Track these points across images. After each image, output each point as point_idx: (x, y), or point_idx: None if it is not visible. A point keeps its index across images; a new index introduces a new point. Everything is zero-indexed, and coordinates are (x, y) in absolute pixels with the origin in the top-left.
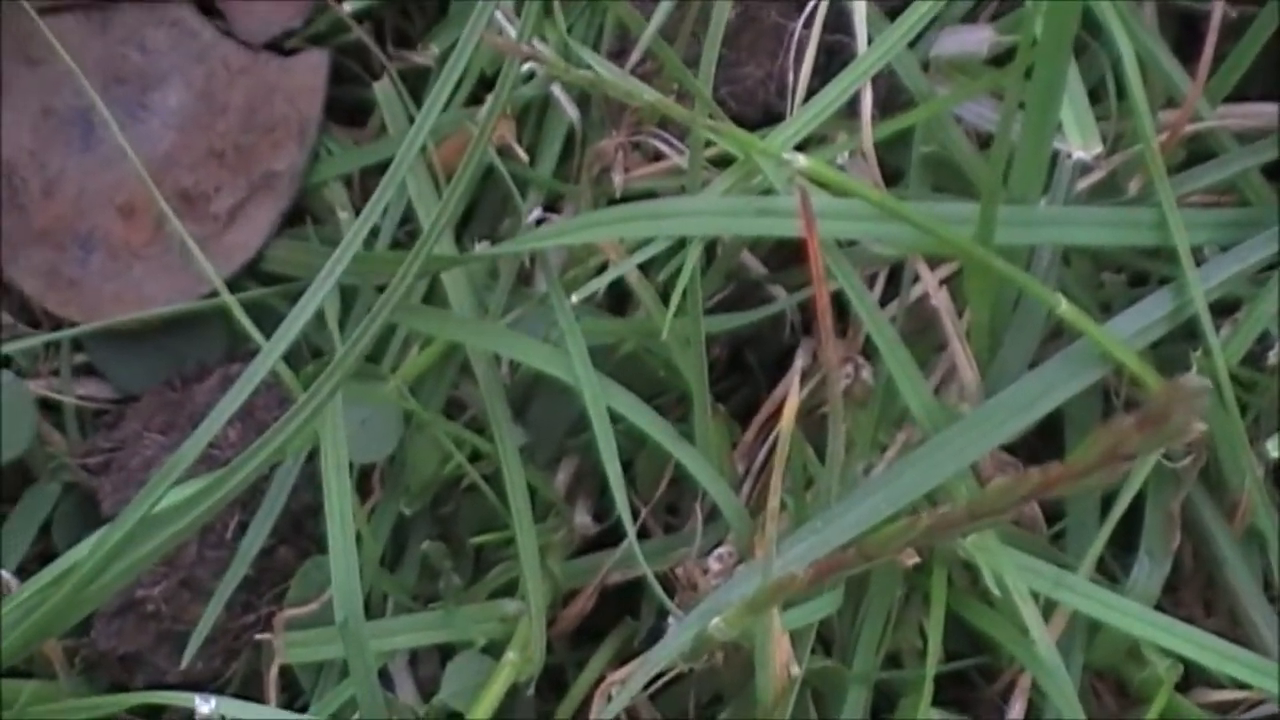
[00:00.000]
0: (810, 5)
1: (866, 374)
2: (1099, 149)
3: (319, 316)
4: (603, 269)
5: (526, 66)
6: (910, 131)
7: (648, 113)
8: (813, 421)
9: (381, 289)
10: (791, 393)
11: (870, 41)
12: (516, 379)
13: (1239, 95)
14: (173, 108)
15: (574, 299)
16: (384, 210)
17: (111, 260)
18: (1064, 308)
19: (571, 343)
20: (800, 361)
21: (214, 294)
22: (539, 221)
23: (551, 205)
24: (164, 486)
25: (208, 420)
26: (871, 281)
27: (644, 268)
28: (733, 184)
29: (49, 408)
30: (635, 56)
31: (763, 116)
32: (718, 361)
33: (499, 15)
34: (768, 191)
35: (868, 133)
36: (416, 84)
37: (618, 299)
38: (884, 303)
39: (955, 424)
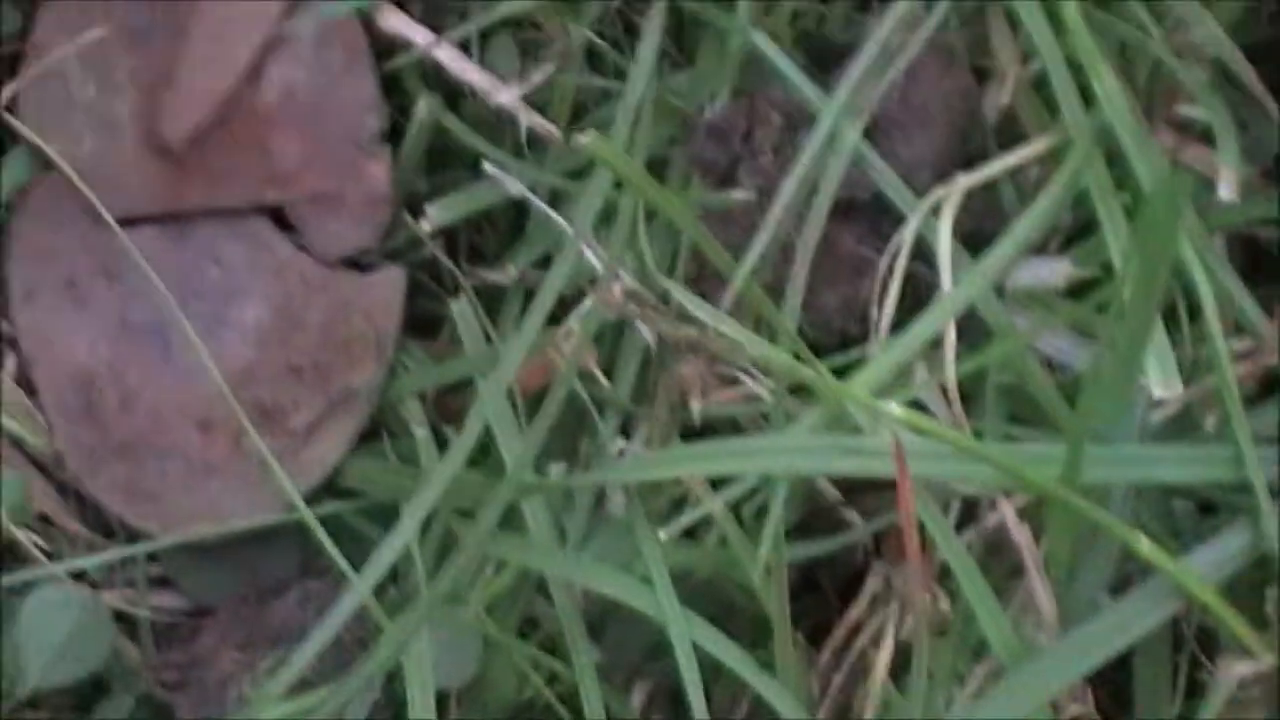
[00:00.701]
0: (895, 239)
1: (945, 604)
2: (1179, 389)
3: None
4: (682, 496)
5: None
6: None
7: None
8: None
9: (461, 511)
10: (884, 648)
11: (953, 279)
12: (593, 599)
13: None
14: (250, 323)
15: (662, 535)
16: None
17: (189, 474)
18: (1144, 546)
19: (657, 578)
20: (872, 585)
21: (291, 509)
22: (619, 451)
23: (625, 424)
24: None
25: (297, 654)
26: (946, 508)
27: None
28: (818, 423)
29: (123, 619)
30: (727, 299)
31: (838, 343)
32: (790, 583)
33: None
34: (853, 428)
35: (951, 371)
36: (491, 299)
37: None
38: (959, 526)
39: (1034, 658)
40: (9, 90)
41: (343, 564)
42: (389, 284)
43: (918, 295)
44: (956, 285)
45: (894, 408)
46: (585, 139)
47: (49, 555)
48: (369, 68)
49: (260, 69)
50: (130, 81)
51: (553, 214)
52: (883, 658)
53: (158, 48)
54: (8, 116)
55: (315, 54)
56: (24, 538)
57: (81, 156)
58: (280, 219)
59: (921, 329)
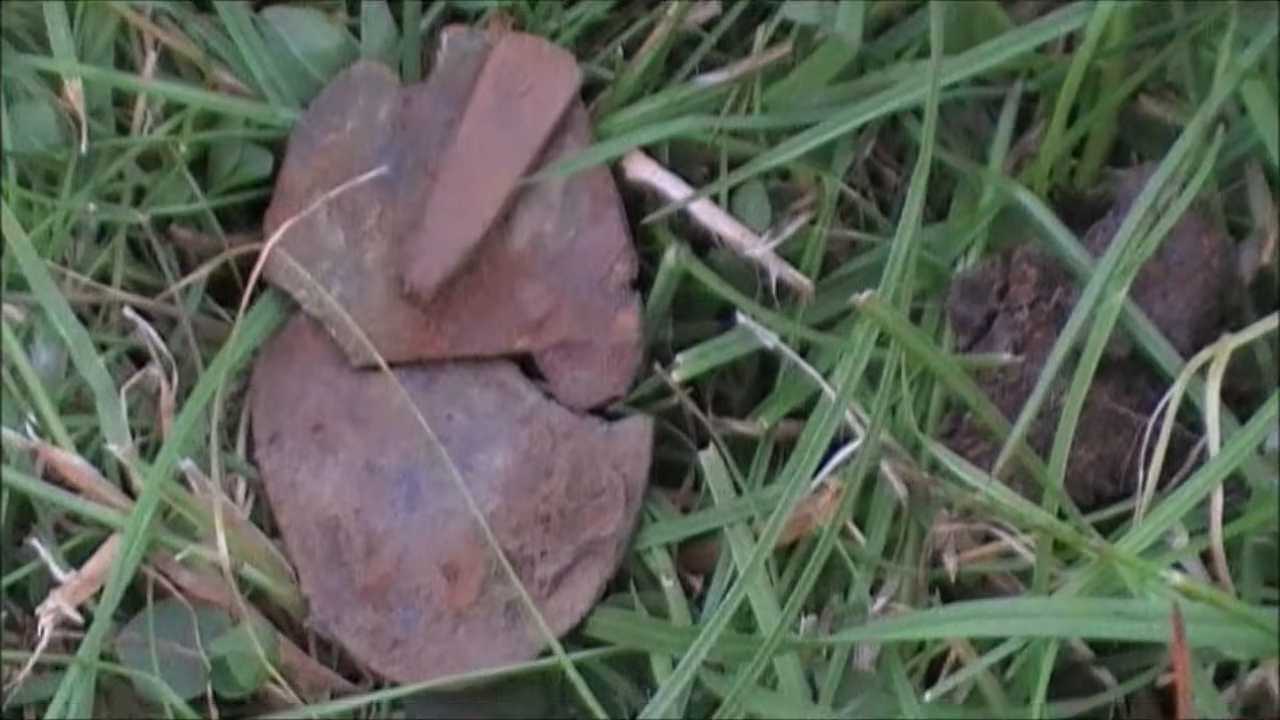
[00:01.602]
0: (1163, 401)
1: None
2: None
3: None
4: (939, 655)
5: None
6: None
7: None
8: None
9: (707, 663)
10: None
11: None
12: None
13: None
14: (498, 470)
15: (928, 697)
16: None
17: (435, 622)
18: None
19: None
20: None
21: (538, 656)
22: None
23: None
24: None
25: None
26: (1205, 665)
27: None
28: (1085, 585)
29: None
30: (1000, 463)
31: (1091, 500)
32: None
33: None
34: (1117, 591)
35: (1217, 537)
36: (735, 450)
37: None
38: (1219, 683)
39: None
40: (270, 243)
41: (599, 713)
42: (637, 433)
43: (1171, 452)
44: (1223, 450)
45: (1175, 575)
46: (861, 299)
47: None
48: (618, 216)
49: (509, 217)
50: (378, 229)
51: (807, 367)
52: None
53: (407, 195)
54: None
55: (564, 202)
56: (272, 687)
57: (329, 303)
58: (528, 366)
59: (1189, 492)
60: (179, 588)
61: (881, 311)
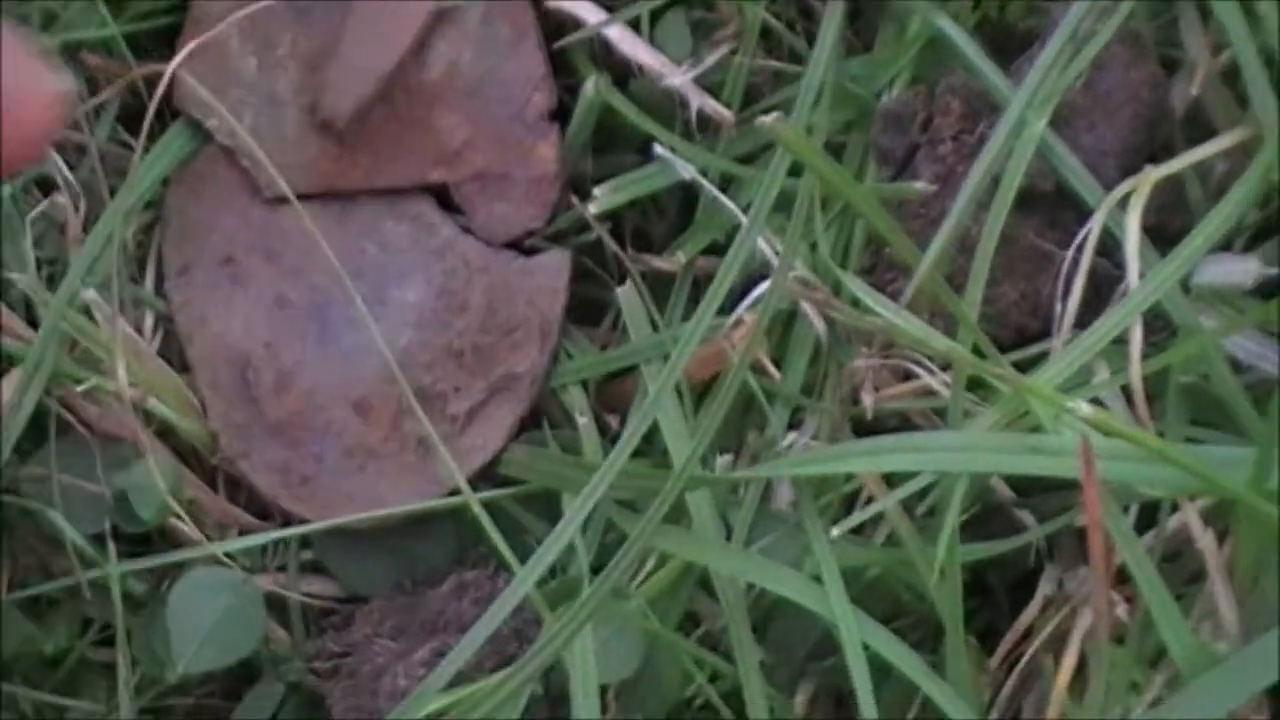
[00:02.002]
0: (1082, 234)
1: (1122, 611)
2: None
3: (552, 519)
4: (852, 493)
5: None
6: None
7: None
8: (1057, 648)
9: (620, 501)
10: (1068, 657)
11: (1141, 275)
12: (756, 595)
13: None
14: (411, 304)
15: (834, 533)
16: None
17: (346, 458)
18: None
19: (829, 577)
20: (1045, 589)
21: (448, 495)
22: (789, 443)
23: (793, 418)
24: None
25: (459, 648)
26: (1126, 509)
27: None
28: (999, 419)
29: (275, 605)
30: (909, 291)
31: (1015, 337)
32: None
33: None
34: (1035, 428)
35: (1136, 370)
36: (657, 286)
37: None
38: (1140, 530)
39: (1215, 669)
40: (173, 66)
41: (505, 552)
42: (554, 268)
43: (1097, 290)
44: (1144, 281)
45: (1083, 407)
46: (769, 120)
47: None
48: (536, 45)
49: (425, 45)
50: (292, 56)
51: (726, 200)
52: (1066, 666)
53: (320, 22)
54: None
55: (481, 30)
56: (176, 523)
57: (240, 133)
58: (444, 199)
59: (1107, 325)
60: (83, 422)
61: (788, 134)
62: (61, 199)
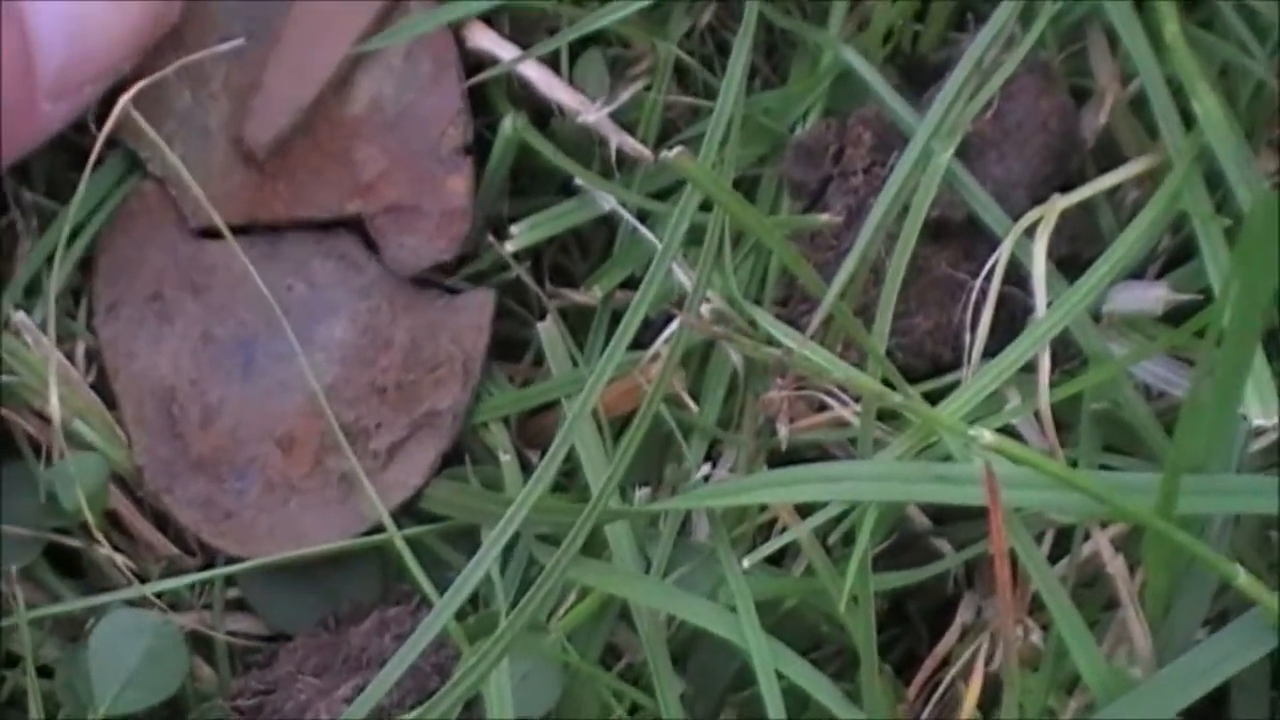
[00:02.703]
0: (990, 262)
1: (1036, 637)
2: (1276, 418)
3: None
4: (768, 523)
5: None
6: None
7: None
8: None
9: (541, 536)
10: (974, 681)
11: (1049, 303)
12: (676, 628)
13: None
14: (336, 341)
15: (746, 563)
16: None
17: (268, 493)
18: (1241, 579)
19: (742, 608)
20: (963, 617)
21: (371, 532)
22: (705, 476)
23: (711, 450)
24: None
25: (376, 682)
26: (1040, 538)
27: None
28: (908, 449)
29: (200, 643)
30: (815, 322)
31: (930, 367)
32: (879, 613)
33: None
34: (944, 457)
35: (1044, 398)
36: (575, 321)
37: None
38: (1053, 558)
39: (1129, 694)
40: (122, 102)
41: (427, 587)
42: (477, 306)
43: (1013, 320)
44: (1051, 309)
45: (985, 434)
46: (672, 155)
47: (129, 574)
48: (456, 80)
49: (349, 79)
50: (224, 89)
51: (643, 229)
52: (973, 691)
53: (251, 55)
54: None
55: (404, 65)
56: (102, 552)
57: (171, 162)
58: (368, 237)
59: (1015, 354)
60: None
61: (692, 169)
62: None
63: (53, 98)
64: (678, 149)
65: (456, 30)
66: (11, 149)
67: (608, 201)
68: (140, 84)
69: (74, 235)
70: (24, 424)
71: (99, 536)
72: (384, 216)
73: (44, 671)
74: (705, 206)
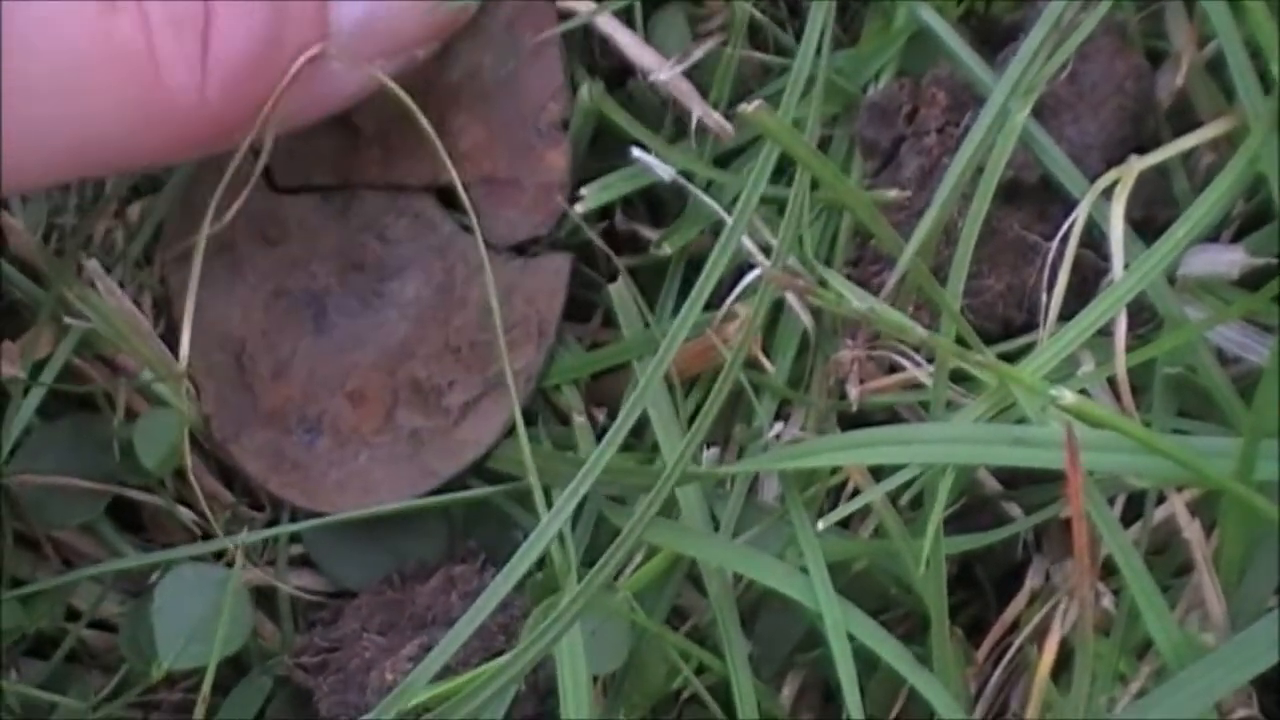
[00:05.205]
0: (1066, 224)
1: (1108, 602)
2: None
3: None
4: (840, 485)
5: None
6: None
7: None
8: (1044, 640)
9: (610, 497)
10: (1049, 645)
11: (1125, 266)
12: (744, 589)
13: None
14: (410, 299)
15: (820, 525)
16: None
17: (338, 446)
18: None
19: (814, 569)
20: (1032, 581)
21: (440, 490)
22: (776, 436)
23: (781, 410)
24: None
25: (444, 642)
26: (1112, 501)
27: None
28: (984, 411)
29: (264, 598)
30: (891, 283)
31: (1001, 330)
32: (948, 576)
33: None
34: (1020, 419)
35: (1121, 362)
36: (646, 279)
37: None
38: (1125, 521)
39: (1202, 660)
40: None
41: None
42: (553, 269)
43: (1084, 282)
44: (1128, 272)
45: (1067, 395)
46: (751, 109)
47: (194, 529)
48: (557, 54)
49: (449, 47)
50: None
51: (705, 198)
52: (1048, 656)
53: None
54: None
55: (505, 36)
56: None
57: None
58: (447, 198)
59: (1091, 317)
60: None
61: (771, 123)
62: None
63: (343, 58)
64: (757, 103)
65: None
66: (301, 106)
67: (667, 173)
68: None
69: (148, 188)
70: (93, 373)
71: (169, 494)
72: (479, 188)
73: (105, 627)
74: (776, 171)
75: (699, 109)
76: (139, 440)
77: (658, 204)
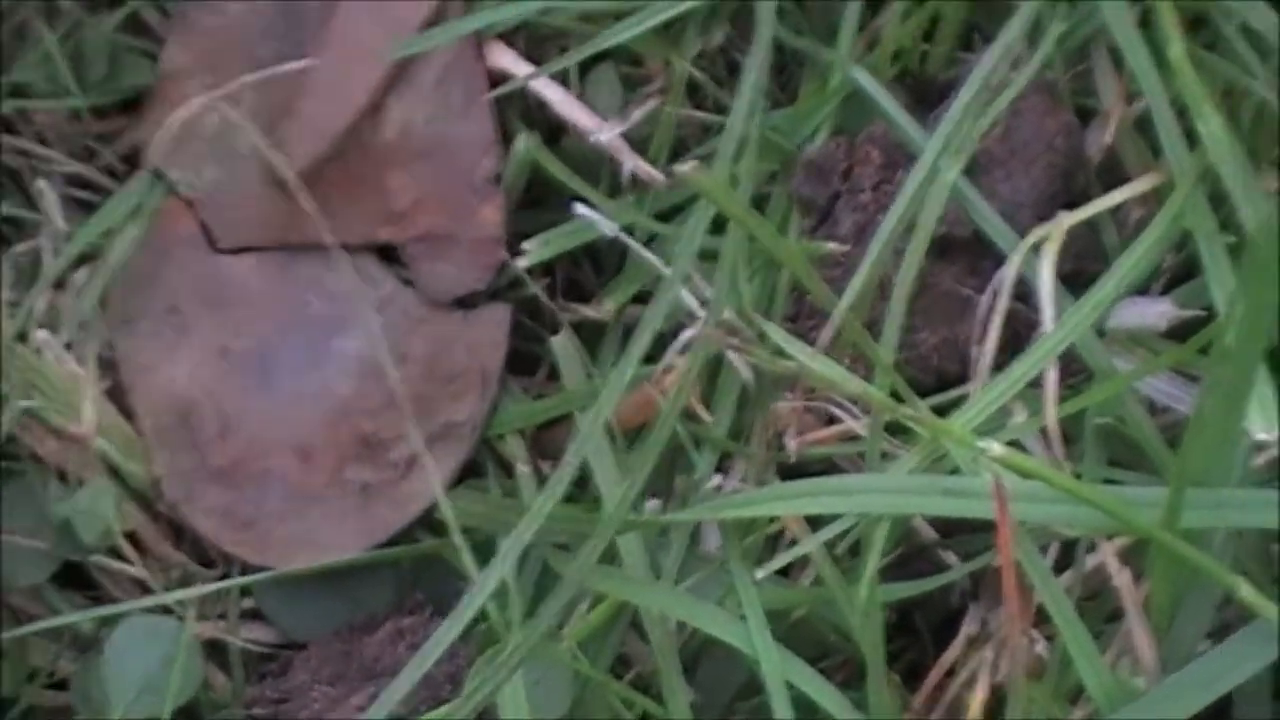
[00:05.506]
0: (996, 278)
1: (1042, 648)
2: (1278, 433)
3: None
4: (775, 535)
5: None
6: None
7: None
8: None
9: (556, 545)
10: (979, 691)
11: (1055, 319)
12: (686, 638)
13: None
14: (353, 354)
15: (758, 574)
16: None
17: (287, 502)
18: (1244, 591)
19: (752, 617)
20: (968, 627)
21: (388, 542)
22: (715, 487)
23: (721, 462)
24: None
25: (389, 690)
26: (1044, 550)
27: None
28: (919, 462)
29: (216, 651)
30: (826, 336)
31: (936, 382)
32: (885, 623)
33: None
34: (954, 470)
35: (1052, 413)
36: (590, 331)
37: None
38: (1057, 570)
39: (1133, 704)
40: (160, 136)
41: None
42: (494, 321)
43: (1017, 335)
44: (1057, 325)
45: (995, 447)
46: (687, 169)
47: (144, 586)
48: (487, 109)
49: (381, 106)
50: (253, 113)
51: (647, 254)
52: (977, 701)
53: (283, 79)
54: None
55: (435, 92)
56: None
57: (201, 185)
58: (387, 254)
59: (1022, 369)
60: (34, 457)
61: (707, 184)
62: (39, 242)
63: None
64: (692, 163)
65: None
66: None
67: (610, 228)
68: (174, 119)
69: (92, 256)
70: (34, 445)
71: (118, 555)
72: (417, 245)
73: (59, 685)
74: (714, 226)
75: (639, 167)
76: (75, 516)
77: (600, 256)
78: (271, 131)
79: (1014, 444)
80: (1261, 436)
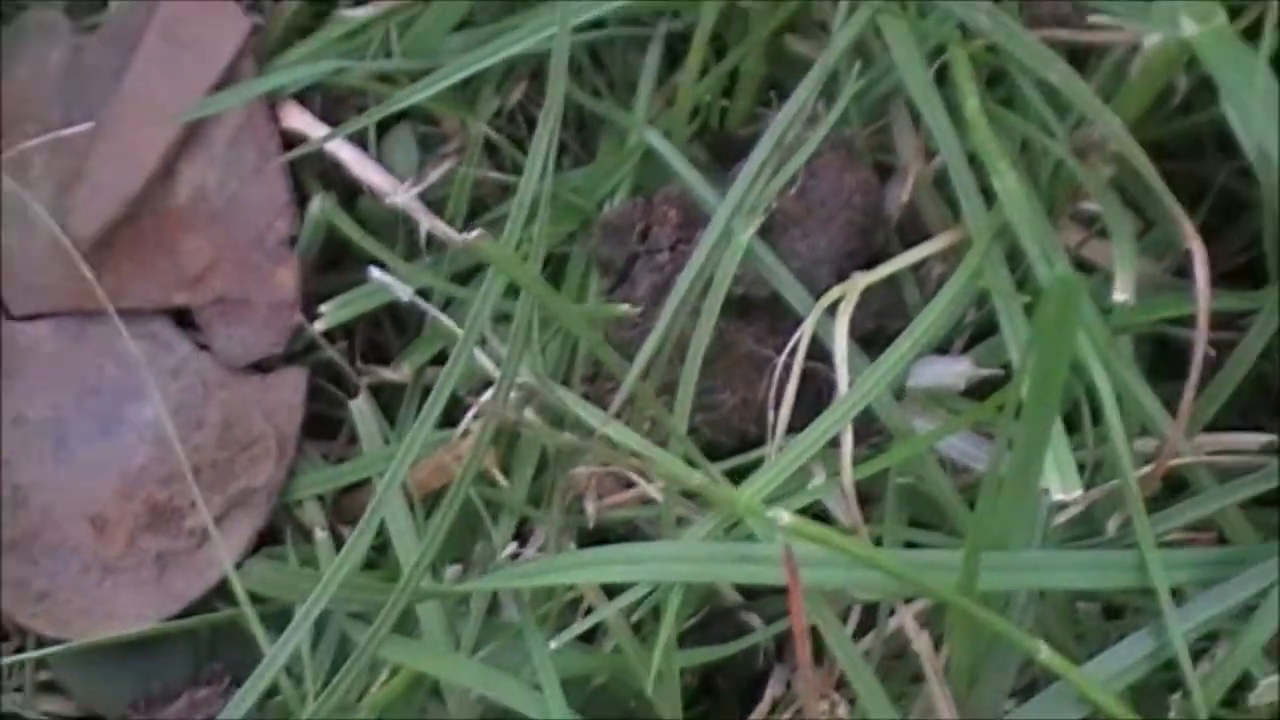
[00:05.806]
0: (793, 339)
1: (844, 710)
2: (1078, 491)
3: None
4: (575, 600)
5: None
6: None
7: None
8: None
9: (355, 614)
10: None
11: (850, 380)
12: (486, 705)
13: (1216, 423)
14: (148, 421)
15: (554, 644)
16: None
17: (82, 573)
18: (1044, 655)
19: (546, 685)
20: (773, 690)
21: (185, 612)
22: (514, 554)
23: (523, 526)
24: None
25: None
26: (846, 614)
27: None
28: (714, 527)
29: None
30: (618, 402)
31: (738, 443)
32: (688, 687)
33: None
34: (750, 534)
35: (848, 475)
36: (390, 397)
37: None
38: (859, 632)
39: None
40: None
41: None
42: (290, 384)
43: (819, 395)
44: (854, 387)
45: (784, 516)
46: (473, 237)
47: None
48: (281, 171)
49: (172, 169)
50: (45, 177)
51: (442, 317)
52: None
53: (73, 144)
54: None
55: (227, 155)
56: None
57: None
58: (182, 317)
59: (817, 432)
60: None
61: (489, 249)
62: None
63: None
64: (478, 231)
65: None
66: None
67: (405, 293)
68: None
69: None
70: None
71: None
72: (212, 309)
73: None
74: (509, 289)
75: (436, 227)
76: None
77: (402, 316)
78: (62, 196)
79: (813, 506)
80: (1060, 496)
